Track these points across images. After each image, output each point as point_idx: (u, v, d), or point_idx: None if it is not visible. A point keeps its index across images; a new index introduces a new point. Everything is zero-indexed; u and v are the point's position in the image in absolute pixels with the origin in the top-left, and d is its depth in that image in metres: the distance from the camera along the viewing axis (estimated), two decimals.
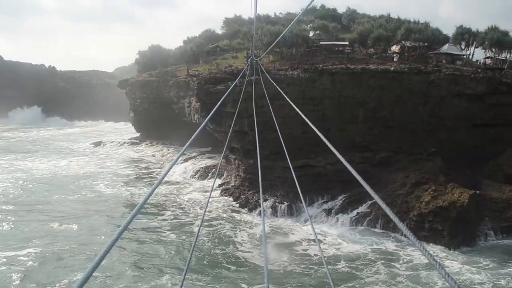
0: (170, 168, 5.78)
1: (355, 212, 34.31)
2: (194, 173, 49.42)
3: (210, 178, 45.20)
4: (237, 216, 35.44)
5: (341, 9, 74.29)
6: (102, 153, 69.82)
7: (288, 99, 13.03)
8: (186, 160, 55.36)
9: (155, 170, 54.47)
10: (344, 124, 40.73)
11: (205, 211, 10.15)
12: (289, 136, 38.55)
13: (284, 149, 12.26)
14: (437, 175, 35.30)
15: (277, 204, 37.14)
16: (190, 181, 47.37)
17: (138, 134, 79.97)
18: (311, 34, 59.04)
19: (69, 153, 69.94)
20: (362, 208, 34.14)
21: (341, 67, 41.18)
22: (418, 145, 40.62)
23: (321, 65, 41.62)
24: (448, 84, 41.88)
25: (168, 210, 36.60)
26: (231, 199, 38.76)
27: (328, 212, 35.81)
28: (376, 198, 4.43)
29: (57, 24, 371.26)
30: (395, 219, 4.03)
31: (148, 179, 49.16)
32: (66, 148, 76.99)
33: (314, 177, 39.80)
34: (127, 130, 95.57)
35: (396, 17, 62.26)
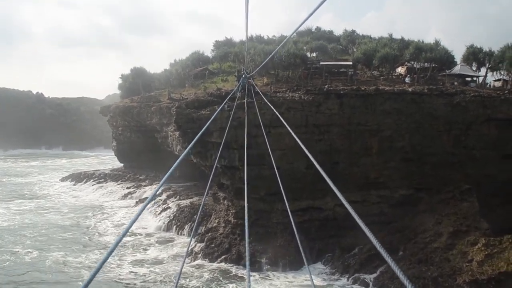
0: (131, 225, 4.16)
1: (378, 271, 25.66)
2: (171, 218, 40.28)
3: (194, 223, 36.11)
4: None
5: (336, 32, 67.03)
6: (64, 192, 59.02)
7: (287, 126, 10.56)
8: (168, 197, 46.66)
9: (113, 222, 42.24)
10: (355, 157, 32.44)
11: None
12: (291, 172, 30.27)
13: (281, 188, 9.83)
14: (478, 221, 26.97)
15: (278, 259, 28.45)
16: (163, 235, 38.12)
17: (122, 165, 71.27)
18: (308, 55, 51.53)
19: (20, 194, 57.80)
20: (387, 266, 25.43)
21: (350, 88, 33.18)
22: (445, 181, 32.44)
23: (326, 86, 33.58)
24: (475, 107, 34.07)
25: None
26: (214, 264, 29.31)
27: (344, 270, 27.10)
28: (395, 267, 3.34)
29: (46, 50, 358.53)
30: None
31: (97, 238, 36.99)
32: (22, 184, 65.67)
33: (321, 222, 31.29)
34: (113, 159, 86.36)
35: (399, 38, 55.18)
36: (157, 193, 48.66)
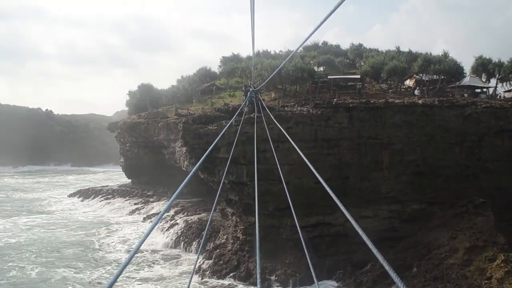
0: (140, 245, 4.06)
1: None
2: (179, 235, 39.55)
3: (202, 239, 35.29)
4: None
5: (343, 46, 66.65)
6: (72, 208, 58.55)
7: (293, 143, 10.11)
8: (176, 213, 46.10)
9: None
10: (366, 171, 31.71)
11: None
12: (300, 187, 29.63)
13: (290, 204, 9.49)
14: (495, 235, 26.02)
15: (288, 276, 27.61)
16: (170, 251, 37.44)
17: (130, 181, 70.94)
18: (315, 69, 51.13)
19: (28, 209, 57.57)
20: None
21: (360, 101, 32.63)
22: (458, 194, 31.54)
23: (335, 99, 33.08)
24: (488, 118, 33.31)
25: None
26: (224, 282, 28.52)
27: (356, 287, 26.21)
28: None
29: (55, 68, 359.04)
30: None
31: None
32: (31, 200, 65.59)
33: (332, 238, 30.46)
34: (122, 175, 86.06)
35: (407, 50, 54.65)
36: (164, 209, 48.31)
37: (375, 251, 3.69)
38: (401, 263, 25.91)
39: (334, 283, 27.97)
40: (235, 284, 27.79)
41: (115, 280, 3.23)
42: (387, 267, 3.34)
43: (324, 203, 30.29)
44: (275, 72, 25.69)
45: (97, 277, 30.36)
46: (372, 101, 32.85)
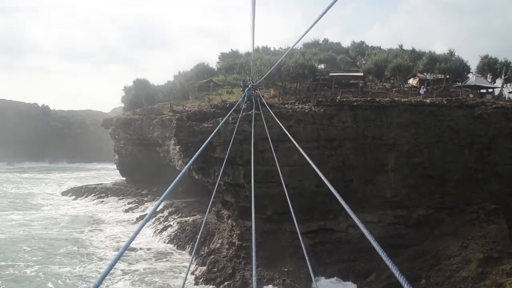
0: (129, 243, 4.00)
1: None
2: (172, 237, 37.63)
3: (196, 242, 33.10)
4: None
5: (344, 45, 64.36)
6: (64, 206, 56.31)
7: (295, 142, 9.55)
8: (170, 214, 43.97)
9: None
10: (370, 174, 29.61)
11: None
12: (300, 191, 27.53)
13: (291, 208, 8.90)
14: (509, 246, 23.97)
15: (286, 287, 25.49)
16: (162, 253, 35.35)
17: (124, 179, 68.73)
18: (316, 67, 49.01)
19: (21, 206, 55.52)
20: None
21: (364, 99, 30.51)
22: (467, 199, 29.50)
23: (338, 97, 30.96)
24: (498, 119, 31.30)
25: None
26: None
27: None
28: None
29: (53, 63, 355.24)
30: None
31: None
32: (24, 197, 63.31)
33: (334, 245, 28.37)
34: (117, 172, 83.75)
35: (410, 49, 52.51)
36: (158, 209, 45.90)
37: (386, 258, 3.41)
38: (408, 274, 23.83)
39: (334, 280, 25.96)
40: None
41: (103, 278, 3.16)
42: (397, 274, 3.08)
43: (325, 208, 28.27)
44: (275, 66, 23.69)
45: (88, 272, 29.39)
46: (377, 100, 30.77)
